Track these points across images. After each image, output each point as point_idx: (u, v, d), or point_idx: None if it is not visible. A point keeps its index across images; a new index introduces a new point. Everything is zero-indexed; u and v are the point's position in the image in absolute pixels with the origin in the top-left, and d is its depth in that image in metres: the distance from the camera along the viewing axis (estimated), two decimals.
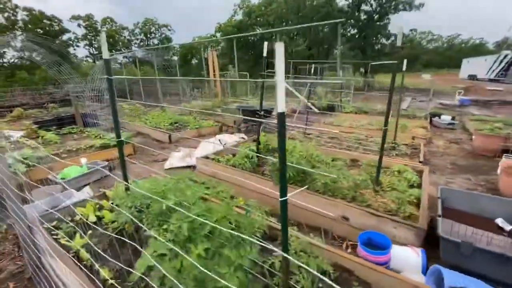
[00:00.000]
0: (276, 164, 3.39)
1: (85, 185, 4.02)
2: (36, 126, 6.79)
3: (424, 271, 2.07)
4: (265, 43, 3.53)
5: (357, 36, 26.97)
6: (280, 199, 1.19)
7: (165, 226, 1.37)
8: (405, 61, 5.08)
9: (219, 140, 5.59)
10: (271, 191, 3.06)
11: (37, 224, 2.23)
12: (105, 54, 2.08)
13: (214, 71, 12.77)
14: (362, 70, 27.43)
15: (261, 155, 3.05)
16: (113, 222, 2.27)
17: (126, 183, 2.42)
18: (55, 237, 2.20)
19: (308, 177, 3.20)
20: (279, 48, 0.96)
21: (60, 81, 10.61)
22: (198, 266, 1.03)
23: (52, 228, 2.34)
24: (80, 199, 2.77)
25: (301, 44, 28.22)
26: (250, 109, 7.45)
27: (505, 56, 23.03)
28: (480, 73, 25.80)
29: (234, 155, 4.34)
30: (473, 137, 5.80)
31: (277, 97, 1.01)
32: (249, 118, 6.28)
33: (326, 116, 8.32)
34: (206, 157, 4.07)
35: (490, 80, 23.47)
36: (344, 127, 6.91)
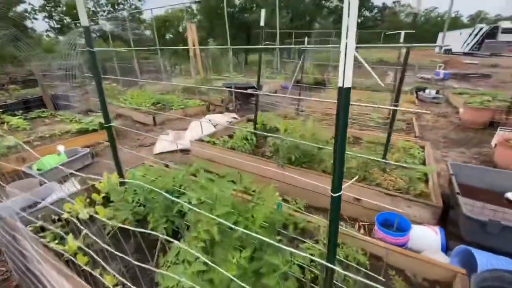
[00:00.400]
0: (279, 145, 3.20)
1: (67, 176, 3.62)
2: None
3: (444, 250, 2.04)
4: (262, 11, 3.17)
5: (340, 7, 26.33)
6: (332, 195, 1.00)
7: (193, 233, 1.15)
8: (402, 33, 4.89)
9: (210, 120, 5.27)
10: (276, 174, 2.89)
11: (19, 227, 1.92)
12: (84, 21, 1.69)
13: (194, 46, 11.93)
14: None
15: (265, 134, 2.84)
16: (110, 219, 2.00)
17: (121, 176, 2.13)
18: (42, 240, 1.91)
19: (314, 157, 3.05)
20: (353, 1, 0.71)
21: (20, 59, 9.44)
22: (235, 279, 0.83)
23: (34, 229, 2.04)
24: (66, 193, 2.44)
25: (285, 16, 27.13)
26: (242, 86, 7.05)
27: (480, 30, 23.68)
28: (455, 47, 26.50)
29: (230, 136, 4.09)
30: (461, 110, 5.92)
31: (343, 65, 0.78)
32: (243, 94, 5.94)
33: (316, 92, 8.15)
34: (201, 140, 3.78)
35: (465, 54, 24.22)
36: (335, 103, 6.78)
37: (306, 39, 7.29)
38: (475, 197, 2.46)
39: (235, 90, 5.52)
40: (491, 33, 22.88)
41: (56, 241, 1.92)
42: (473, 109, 5.31)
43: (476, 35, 23.93)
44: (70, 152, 3.96)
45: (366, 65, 0.83)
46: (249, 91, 5.95)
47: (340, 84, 0.81)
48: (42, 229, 2.04)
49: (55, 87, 7.12)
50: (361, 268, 1.20)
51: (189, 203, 1.15)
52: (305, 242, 1.44)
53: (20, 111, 6.40)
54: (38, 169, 3.50)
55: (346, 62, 0.77)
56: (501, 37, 22.26)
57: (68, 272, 1.58)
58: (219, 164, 3.37)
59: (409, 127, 5.01)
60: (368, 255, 1.67)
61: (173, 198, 1.10)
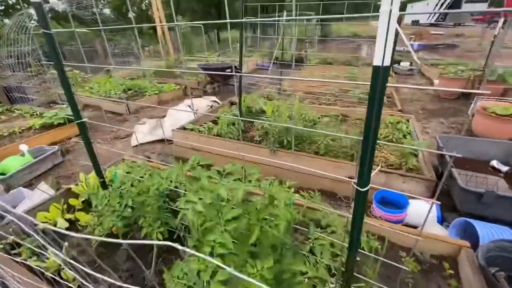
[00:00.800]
0: (269, 129, 3.07)
1: (34, 179, 3.26)
2: None
3: (440, 221, 2.10)
4: None
5: None
6: (359, 189, 0.90)
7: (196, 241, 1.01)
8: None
9: (189, 106, 4.96)
10: (269, 160, 2.79)
11: None
12: None
13: (161, 23, 11.05)
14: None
15: (254, 120, 2.68)
16: (97, 225, 1.80)
17: (100, 176, 1.90)
18: (18, 259, 1.67)
19: (305, 139, 2.97)
20: None
21: None
22: None
23: (6, 246, 1.79)
24: (38, 200, 2.16)
25: None
26: (220, 67, 6.68)
27: (445, 0, 24.36)
28: (422, 18, 27.19)
29: (214, 121, 3.88)
30: (436, 81, 6.10)
31: (384, 38, 0.64)
32: (222, 76, 5.62)
33: (296, 70, 7.98)
34: (184, 128, 3.54)
35: (431, 25, 24.98)
36: (315, 80, 6.68)
37: (285, 13, 6.96)
38: (464, 167, 2.54)
39: (213, 72, 5.20)
40: (456, 3, 23.67)
41: (34, 258, 1.70)
42: (447, 80, 5.47)
43: (442, 5, 24.62)
44: (35, 151, 3.55)
45: (406, 41, 0.70)
46: (228, 71, 5.65)
47: (377, 63, 0.67)
48: (17, 244, 1.79)
49: (6, 78, 6.30)
50: (380, 258, 1.15)
51: (190, 206, 1.00)
52: (323, 237, 1.37)
53: None
54: (1, 174, 3.10)
55: (388, 34, 0.63)
56: (465, 6, 23.10)
57: None
58: (206, 153, 3.19)
59: (390, 100, 5.07)
60: (376, 237, 1.65)
61: (175, 207, 0.94)
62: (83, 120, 1.74)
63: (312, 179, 2.69)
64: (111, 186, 1.81)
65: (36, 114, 5.07)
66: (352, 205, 1.00)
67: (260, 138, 3.29)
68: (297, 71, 8.23)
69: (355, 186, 0.92)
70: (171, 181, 1.27)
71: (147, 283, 1.58)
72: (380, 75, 0.69)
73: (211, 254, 0.84)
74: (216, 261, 0.51)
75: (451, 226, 1.88)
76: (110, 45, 11.72)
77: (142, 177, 1.74)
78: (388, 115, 3.61)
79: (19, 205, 2.29)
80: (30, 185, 3.09)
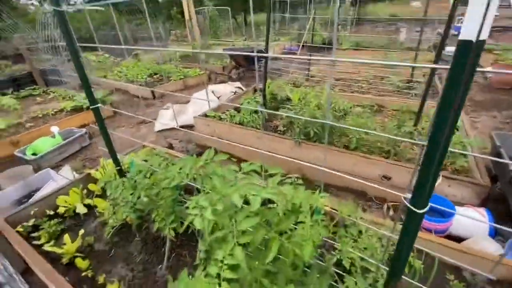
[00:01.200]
0: (295, 121, 2.84)
1: (62, 161, 3.37)
2: None
3: (493, 235, 1.79)
4: None
5: None
6: (413, 209, 0.68)
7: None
8: None
9: (213, 92, 4.84)
10: (295, 153, 2.59)
11: (5, 227, 1.68)
12: None
13: (188, 8, 10.92)
14: None
15: (276, 113, 2.48)
16: (112, 214, 1.75)
17: (117, 164, 1.84)
18: (36, 242, 1.68)
19: (334, 130, 2.71)
20: None
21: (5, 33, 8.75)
22: None
23: (26, 229, 1.81)
24: (61, 184, 2.18)
25: None
26: (246, 51, 6.44)
27: None
28: None
29: (236, 109, 3.72)
30: (489, 69, 5.36)
31: (486, 4, 0.41)
32: (247, 60, 5.41)
33: (326, 54, 7.47)
34: (205, 115, 3.42)
35: None
36: (347, 65, 6.20)
37: None
38: None
39: (239, 54, 4.99)
40: None
41: (52, 243, 1.70)
42: (503, 67, 4.76)
43: None
44: (65, 133, 3.66)
45: None
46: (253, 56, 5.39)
47: (468, 36, 0.45)
48: (36, 227, 1.81)
49: (43, 61, 6.60)
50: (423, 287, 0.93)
51: (200, 214, 0.85)
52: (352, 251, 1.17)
53: (11, 89, 6.01)
54: (32, 154, 3.23)
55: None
56: None
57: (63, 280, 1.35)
58: (226, 143, 3.06)
59: (432, 90, 4.53)
60: (414, 251, 1.41)
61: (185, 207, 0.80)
62: (98, 106, 1.66)
63: (339, 176, 2.45)
64: (127, 174, 1.74)
65: (69, 97, 5.26)
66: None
67: (285, 128, 3.08)
68: (328, 55, 7.72)
69: (409, 205, 0.70)
70: (187, 175, 1.14)
71: (158, 279, 1.50)
72: (470, 53, 0.46)
73: (218, 276, 0.69)
74: None
75: (508, 245, 1.58)
76: (139, 30, 11.89)
77: (159, 165, 1.63)
78: (431, 106, 3.19)
79: (44, 186, 2.33)
80: (58, 166, 3.19)
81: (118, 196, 1.60)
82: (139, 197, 1.50)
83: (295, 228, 0.95)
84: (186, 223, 0.85)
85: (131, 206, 1.55)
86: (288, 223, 0.89)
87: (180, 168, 1.29)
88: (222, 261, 0.71)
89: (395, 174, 2.26)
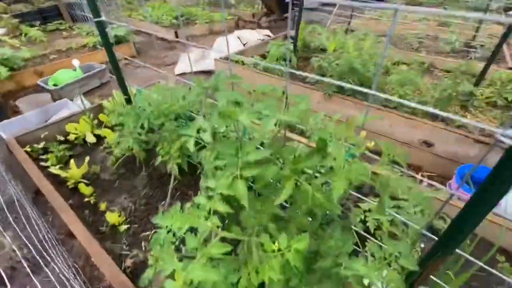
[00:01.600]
0: (328, 68, 2.49)
1: (83, 94, 3.33)
2: (17, 20, 5.60)
3: None
4: None
5: None
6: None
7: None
8: None
9: (239, 37, 4.44)
10: (322, 108, 2.30)
11: (14, 146, 1.65)
12: None
13: None
14: None
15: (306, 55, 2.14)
16: (117, 144, 1.65)
17: (126, 95, 1.68)
18: (43, 164, 1.65)
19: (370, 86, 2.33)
20: None
21: None
22: None
23: (36, 150, 1.78)
24: (71, 112, 2.11)
25: None
26: None
27: None
28: None
29: (262, 56, 3.37)
30: None
31: None
32: (280, 6, 4.83)
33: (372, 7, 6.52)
34: (227, 58, 3.13)
35: None
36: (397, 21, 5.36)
37: None
38: None
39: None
40: None
41: (59, 166, 1.65)
42: None
43: None
44: (86, 67, 3.58)
45: None
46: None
47: None
48: (46, 150, 1.78)
49: None
50: (474, 260, 0.71)
51: (201, 140, 0.66)
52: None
53: (38, 22, 5.95)
54: (53, 84, 3.20)
55: None
56: None
57: (64, 204, 1.30)
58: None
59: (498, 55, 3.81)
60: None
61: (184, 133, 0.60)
62: (102, 19, 1.45)
63: (372, 136, 2.16)
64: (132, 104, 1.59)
65: (93, 33, 5.11)
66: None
67: (315, 80, 2.73)
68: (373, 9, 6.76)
69: (506, 140, 0.44)
70: (184, 101, 0.93)
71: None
72: None
73: (208, 211, 0.52)
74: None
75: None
76: None
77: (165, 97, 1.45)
78: (498, 70, 2.65)
79: (58, 113, 2.29)
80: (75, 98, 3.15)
81: (123, 125, 1.47)
82: (143, 127, 1.35)
83: (320, 173, 0.73)
84: (175, 146, 0.66)
85: (135, 137, 1.42)
86: (309, 163, 0.67)
87: (183, 96, 1.08)
88: (214, 190, 0.53)
89: (438, 140, 1.93)
